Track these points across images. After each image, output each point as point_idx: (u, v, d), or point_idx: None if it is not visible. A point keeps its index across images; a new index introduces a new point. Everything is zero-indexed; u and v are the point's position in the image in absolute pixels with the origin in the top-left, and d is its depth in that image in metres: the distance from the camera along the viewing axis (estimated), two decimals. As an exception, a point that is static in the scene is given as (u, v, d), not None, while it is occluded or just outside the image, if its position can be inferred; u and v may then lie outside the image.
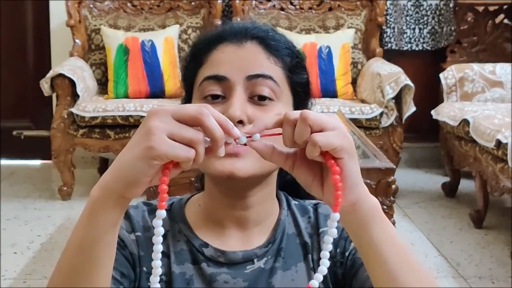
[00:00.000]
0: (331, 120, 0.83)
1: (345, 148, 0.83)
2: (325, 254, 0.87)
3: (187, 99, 1.12)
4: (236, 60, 1.04)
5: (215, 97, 1.04)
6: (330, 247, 0.87)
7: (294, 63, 1.09)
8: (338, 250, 1.11)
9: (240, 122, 1.00)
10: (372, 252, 0.89)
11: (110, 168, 0.85)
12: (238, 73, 1.03)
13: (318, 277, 0.87)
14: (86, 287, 0.88)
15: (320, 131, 0.82)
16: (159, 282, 1.07)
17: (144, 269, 1.08)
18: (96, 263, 0.87)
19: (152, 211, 1.13)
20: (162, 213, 0.84)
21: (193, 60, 1.10)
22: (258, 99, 1.03)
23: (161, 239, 0.85)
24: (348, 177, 0.84)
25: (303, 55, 1.13)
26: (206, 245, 1.09)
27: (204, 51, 1.08)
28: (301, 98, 1.11)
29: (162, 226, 1.10)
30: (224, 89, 1.04)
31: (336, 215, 0.84)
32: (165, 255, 1.09)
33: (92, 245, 0.86)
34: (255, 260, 1.10)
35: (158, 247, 0.86)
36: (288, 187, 1.19)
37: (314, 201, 1.18)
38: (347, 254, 1.10)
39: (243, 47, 1.05)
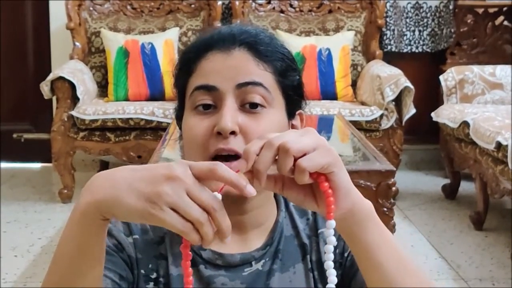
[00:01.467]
0: (310, 140, 0.83)
1: (332, 163, 0.84)
2: (329, 264, 0.87)
3: (180, 106, 1.11)
4: (225, 69, 1.03)
5: (206, 106, 1.04)
6: (332, 256, 0.86)
7: (284, 67, 1.08)
8: (337, 251, 1.11)
9: (233, 133, 0.99)
10: (367, 256, 0.89)
11: (104, 183, 0.82)
12: (227, 82, 1.02)
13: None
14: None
15: (303, 155, 0.82)
16: (157, 283, 1.08)
17: (142, 271, 1.08)
18: (83, 271, 0.88)
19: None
20: None
21: (183, 68, 1.09)
22: (250, 107, 1.03)
23: None
24: (341, 187, 0.85)
25: (299, 57, 1.13)
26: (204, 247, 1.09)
27: (193, 59, 1.07)
28: (293, 101, 1.10)
29: (159, 228, 1.11)
30: (214, 98, 1.03)
31: (332, 223, 0.85)
32: (163, 257, 1.09)
33: (78, 254, 0.87)
34: (253, 263, 1.10)
35: None
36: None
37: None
38: (346, 254, 1.11)
39: (231, 54, 1.05)
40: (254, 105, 1.03)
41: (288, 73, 1.08)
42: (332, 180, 0.84)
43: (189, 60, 1.08)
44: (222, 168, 0.80)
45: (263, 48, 1.06)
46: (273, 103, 1.04)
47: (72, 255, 0.87)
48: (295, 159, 0.82)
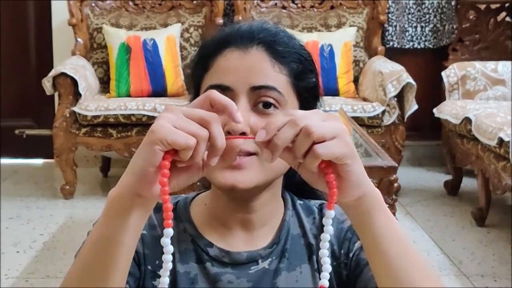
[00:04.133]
0: (331, 127, 0.83)
1: (347, 155, 0.83)
2: (324, 252, 0.88)
3: (194, 99, 1.11)
4: (241, 69, 1.03)
5: None
6: (327, 245, 0.88)
7: (301, 69, 1.07)
8: (342, 251, 1.11)
9: (243, 133, 0.99)
10: (373, 244, 0.89)
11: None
12: (242, 84, 1.02)
13: (325, 276, 0.88)
14: (99, 286, 0.88)
15: (322, 141, 0.82)
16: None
17: (149, 267, 1.08)
18: (110, 263, 0.87)
19: (157, 209, 1.12)
20: (169, 231, 0.84)
21: (200, 63, 1.09)
22: (263, 106, 1.03)
23: (170, 257, 0.85)
24: (352, 179, 0.85)
25: (311, 57, 1.12)
26: (211, 244, 1.10)
27: (210, 55, 1.07)
28: (308, 102, 1.10)
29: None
30: (228, 97, 1.03)
31: (331, 213, 0.86)
32: (170, 253, 1.09)
33: (106, 244, 0.87)
34: (259, 261, 1.10)
35: (168, 265, 0.86)
36: (294, 186, 1.19)
37: (319, 202, 1.18)
38: (351, 255, 1.10)
39: (248, 53, 1.04)
40: (267, 105, 1.03)
41: (303, 75, 1.08)
42: (344, 171, 0.84)
43: (206, 55, 1.08)
44: (215, 93, 0.85)
45: (281, 49, 1.06)
46: (286, 106, 1.04)
47: (97, 242, 0.88)
48: (312, 143, 0.82)
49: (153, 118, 4.06)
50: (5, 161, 4.96)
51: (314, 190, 1.23)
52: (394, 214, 2.57)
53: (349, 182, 0.85)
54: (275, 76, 1.04)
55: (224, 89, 1.03)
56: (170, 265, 0.86)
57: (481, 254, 3.40)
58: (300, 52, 1.09)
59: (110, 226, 0.87)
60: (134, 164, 0.84)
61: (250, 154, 1.01)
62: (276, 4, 4.80)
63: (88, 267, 0.89)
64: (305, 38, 4.40)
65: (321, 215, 1.15)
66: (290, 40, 1.09)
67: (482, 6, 4.90)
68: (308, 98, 1.10)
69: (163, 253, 1.08)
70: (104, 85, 4.51)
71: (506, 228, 3.72)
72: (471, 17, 4.92)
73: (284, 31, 1.10)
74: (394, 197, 2.57)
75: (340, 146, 0.83)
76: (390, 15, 4.84)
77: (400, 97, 4.18)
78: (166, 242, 0.84)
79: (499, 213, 3.96)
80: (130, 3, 4.74)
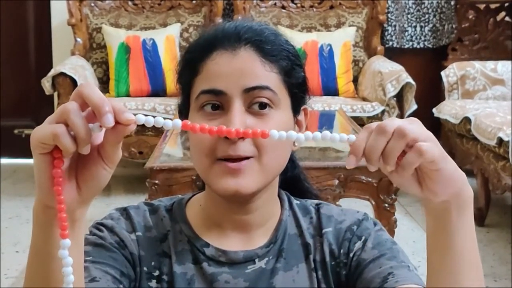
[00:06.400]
0: (422, 130, 0.81)
1: (439, 159, 0.81)
2: None
3: (184, 103, 1.10)
4: (232, 72, 1.02)
5: (212, 107, 1.03)
6: None
7: (290, 66, 1.06)
8: (341, 251, 1.11)
9: (242, 138, 0.98)
10: (452, 242, 0.89)
11: None
12: (234, 86, 1.01)
13: None
14: None
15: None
16: (160, 281, 1.08)
17: (145, 269, 1.08)
18: (46, 276, 0.84)
19: (153, 211, 1.13)
20: (66, 242, 0.78)
21: (188, 67, 1.07)
22: (258, 107, 1.02)
23: (70, 269, 0.79)
24: (443, 179, 0.83)
25: (301, 53, 1.11)
26: (207, 245, 1.09)
27: (198, 59, 1.05)
28: (298, 98, 1.09)
29: (163, 226, 1.11)
30: (222, 101, 1.02)
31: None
32: (166, 255, 1.09)
33: (38, 257, 0.84)
34: (256, 260, 1.09)
35: (69, 278, 0.79)
36: (288, 184, 1.19)
37: (315, 201, 1.18)
38: (351, 255, 1.09)
39: (237, 54, 1.03)
40: (261, 106, 1.02)
41: (293, 71, 1.07)
42: (437, 174, 0.82)
43: (194, 59, 1.06)
44: (87, 88, 0.77)
45: (269, 48, 1.04)
46: (279, 104, 1.04)
47: (30, 252, 0.85)
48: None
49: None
50: (5, 160, 4.96)
51: (306, 186, 1.24)
52: (393, 213, 2.57)
53: (439, 183, 0.83)
54: (267, 75, 1.03)
55: (217, 94, 1.02)
56: (71, 278, 0.79)
57: (480, 254, 3.32)
58: (287, 48, 1.08)
59: (37, 239, 0.83)
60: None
61: (246, 158, 1.00)
62: (275, 3, 4.80)
63: (30, 280, 0.86)
64: (304, 38, 4.40)
65: (318, 215, 1.14)
66: (276, 37, 1.08)
67: (482, 6, 4.90)
68: (298, 94, 1.09)
69: (158, 254, 1.08)
70: (104, 85, 4.51)
71: (506, 227, 3.72)
72: (470, 17, 4.92)
73: (268, 28, 1.09)
74: (393, 196, 2.57)
75: (435, 149, 0.81)
76: (389, 15, 4.84)
77: (400, 97, 4.18)
78: (64, 254, 0.78)
79: (499, 213, 3.95)
80: (130, 3, 4.74)
